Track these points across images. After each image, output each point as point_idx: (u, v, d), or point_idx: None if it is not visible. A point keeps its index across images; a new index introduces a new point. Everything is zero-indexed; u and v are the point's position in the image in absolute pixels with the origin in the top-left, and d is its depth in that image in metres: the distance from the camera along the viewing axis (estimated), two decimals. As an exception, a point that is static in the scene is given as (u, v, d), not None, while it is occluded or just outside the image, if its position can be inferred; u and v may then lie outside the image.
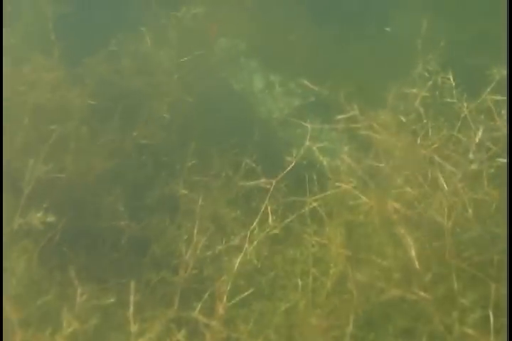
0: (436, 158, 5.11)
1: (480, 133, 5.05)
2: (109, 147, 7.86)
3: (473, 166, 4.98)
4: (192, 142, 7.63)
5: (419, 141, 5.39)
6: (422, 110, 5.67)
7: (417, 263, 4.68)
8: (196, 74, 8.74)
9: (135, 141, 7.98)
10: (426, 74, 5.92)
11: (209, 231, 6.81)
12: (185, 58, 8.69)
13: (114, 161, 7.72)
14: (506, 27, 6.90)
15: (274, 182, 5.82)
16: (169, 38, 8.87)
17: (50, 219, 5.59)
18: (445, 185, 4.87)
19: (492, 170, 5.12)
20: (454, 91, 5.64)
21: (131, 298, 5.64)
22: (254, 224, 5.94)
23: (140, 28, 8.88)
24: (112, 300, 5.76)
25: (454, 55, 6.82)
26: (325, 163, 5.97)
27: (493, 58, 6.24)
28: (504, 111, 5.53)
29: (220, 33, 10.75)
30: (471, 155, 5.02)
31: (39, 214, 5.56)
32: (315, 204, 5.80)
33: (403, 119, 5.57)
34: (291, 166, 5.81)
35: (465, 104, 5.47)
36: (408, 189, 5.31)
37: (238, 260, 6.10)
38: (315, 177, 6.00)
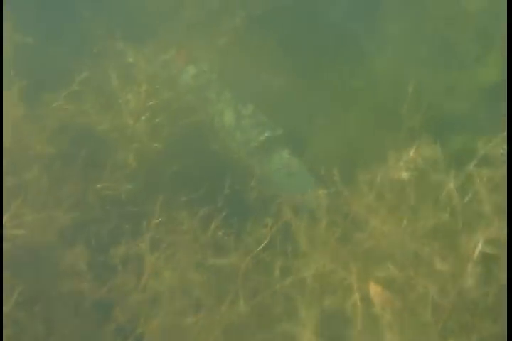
0: (425, 250, 4.75)
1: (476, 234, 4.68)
2: (71, 199, 7.39)
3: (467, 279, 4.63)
4: (159, 195, 7.20)
5: (404, 224, 5.02)
6: (406, 184, 5.32)
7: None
8: (164, 117, 8.28)
9: (99, 193, 7.51)
10: (411, 144, 5.55)
11: (177, 298, 6.44)
12: (153, 101, 8.22)
13: (76, 214, 7.25)
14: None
15: (246, 260, 5.42)
16: (136, 78, 8.39)
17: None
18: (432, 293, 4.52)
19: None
20: (440, 165, 5.29)
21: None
22: (224, 304, 5.54)
23: (106, 66, 8.42)
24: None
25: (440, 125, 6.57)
26: (301, 234, 5.58)
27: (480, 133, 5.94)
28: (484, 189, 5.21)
29: (189, 61, 10.38)
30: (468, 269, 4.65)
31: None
32: (288, 281, 5.41)
33: (387, 195, 5.23)
34: (265, 242, 5.43)
35: (451, 180, 5.12)
36: (393, 269, 4.97)
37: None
38: (289, 251, 5.63)
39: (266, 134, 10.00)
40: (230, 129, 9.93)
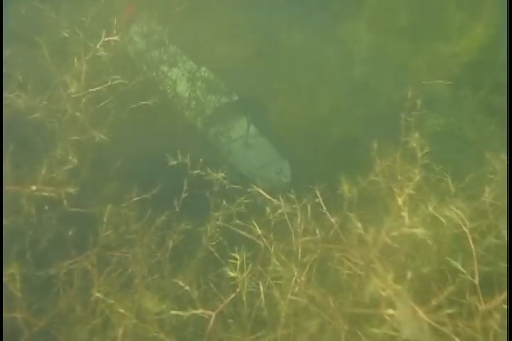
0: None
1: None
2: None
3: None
4: (108, 204, 6.02)
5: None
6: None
7: None
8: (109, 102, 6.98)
9: (35, 194, 6.20)
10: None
11: (130, 324, 5.43)
12: (96, 88, 6.86)
13: (8, 220, 6.01)
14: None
15: (213, 314, 4.42)
16: (72, 56, 6.97)
17: None
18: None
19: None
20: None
21: None
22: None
23: (35, 40, 6.95)
24: None
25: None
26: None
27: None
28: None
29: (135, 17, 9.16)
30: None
31: None
32: None
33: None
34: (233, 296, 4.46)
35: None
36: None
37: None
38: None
39: (222, 100, 9.01)
40: (185, 99, 8.85)
